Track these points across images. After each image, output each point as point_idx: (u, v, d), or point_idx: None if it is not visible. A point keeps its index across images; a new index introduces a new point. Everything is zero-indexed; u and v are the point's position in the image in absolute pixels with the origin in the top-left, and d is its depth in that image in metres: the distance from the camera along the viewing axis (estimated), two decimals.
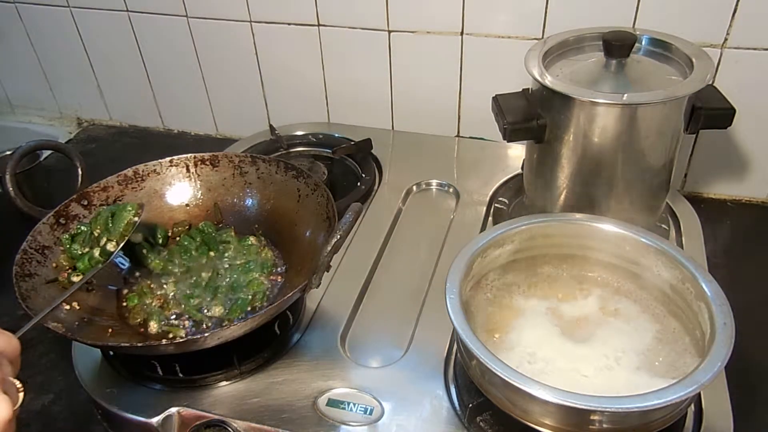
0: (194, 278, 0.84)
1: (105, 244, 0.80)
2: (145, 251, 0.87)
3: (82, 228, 0.82)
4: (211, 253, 0.88)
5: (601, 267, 0.77)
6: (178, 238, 0.90)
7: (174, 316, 0.80)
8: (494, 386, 0.63)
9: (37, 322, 0.66)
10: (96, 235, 0.81)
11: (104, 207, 0.85)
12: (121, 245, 0.80)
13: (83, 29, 1.29)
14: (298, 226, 0.87)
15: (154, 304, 0.81)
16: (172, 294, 0.83)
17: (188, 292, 0.83)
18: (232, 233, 0.90)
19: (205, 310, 0.80)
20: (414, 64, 1.13)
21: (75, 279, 0.79)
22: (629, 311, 0.73)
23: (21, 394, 0.51)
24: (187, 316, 0.80)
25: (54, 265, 0.80)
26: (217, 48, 1.22)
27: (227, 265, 0.86)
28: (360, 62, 1.16)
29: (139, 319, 0.80)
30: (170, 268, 0.86)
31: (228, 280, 0.84)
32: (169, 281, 0.84)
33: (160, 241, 0.89)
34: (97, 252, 0.80)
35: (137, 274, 0.86)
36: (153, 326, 0.78)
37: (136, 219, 0.81)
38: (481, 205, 1.01)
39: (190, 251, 0.88)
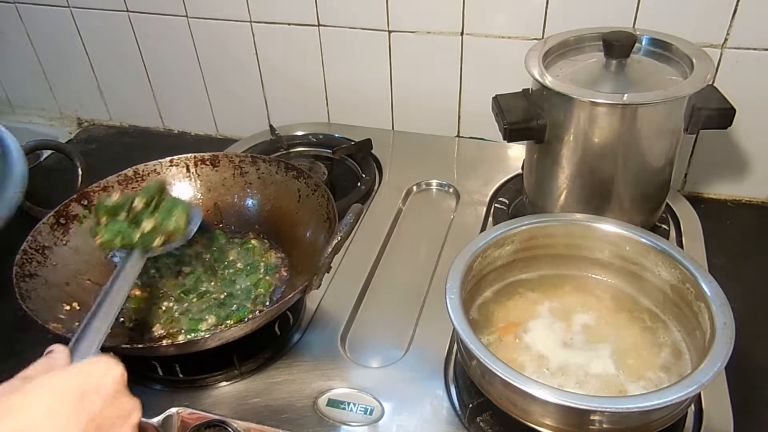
0: (199, 289, 0.83)
1: (149, 233, 0.71)
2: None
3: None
4: (217, 266, 0.87)
5: (601, 267, 0.77)
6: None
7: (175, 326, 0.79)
8: (494, 386, 0.63)
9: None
10: (135, 206, 0.73)
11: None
12: (168, 248, 0.74)
13: (83, 29, 1.29)
14: (299, 226, 0.87)
15: (154, 309, 0.81)
16: (174, 306, 0.82)
17: (189, 303, 0.81)
18: (237, 239, 0.90)
19: (204, 323, 0.79)
20: (414, 64, 1.13)
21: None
22: (627, 315, 0.74)
23: None
24: (185, 328, 0.79)
25: (54, 264, 0.80)
26: (217, 48, 1.22)
27: (233, 269, 0.86)
28: (360, 62, 1.15)
29: (139, 320, 0.80)
30: (174, 281, 0.85)
31: (233, 287, 0.83)
32: (172, 291, 0.83)
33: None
34: (136, 235, 0.70)
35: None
36: (156, 328, 0.78)
37: (191, 227, 0.75)
38: (481, 205, 1.01)
39: (196, 271, 0.86)
